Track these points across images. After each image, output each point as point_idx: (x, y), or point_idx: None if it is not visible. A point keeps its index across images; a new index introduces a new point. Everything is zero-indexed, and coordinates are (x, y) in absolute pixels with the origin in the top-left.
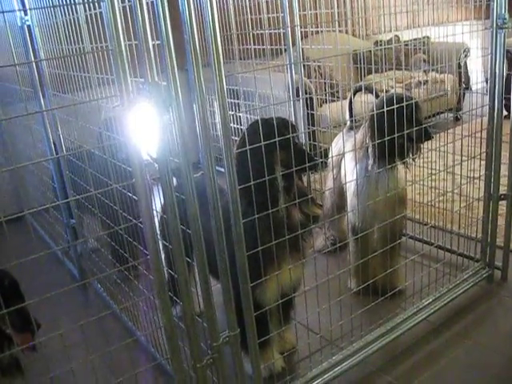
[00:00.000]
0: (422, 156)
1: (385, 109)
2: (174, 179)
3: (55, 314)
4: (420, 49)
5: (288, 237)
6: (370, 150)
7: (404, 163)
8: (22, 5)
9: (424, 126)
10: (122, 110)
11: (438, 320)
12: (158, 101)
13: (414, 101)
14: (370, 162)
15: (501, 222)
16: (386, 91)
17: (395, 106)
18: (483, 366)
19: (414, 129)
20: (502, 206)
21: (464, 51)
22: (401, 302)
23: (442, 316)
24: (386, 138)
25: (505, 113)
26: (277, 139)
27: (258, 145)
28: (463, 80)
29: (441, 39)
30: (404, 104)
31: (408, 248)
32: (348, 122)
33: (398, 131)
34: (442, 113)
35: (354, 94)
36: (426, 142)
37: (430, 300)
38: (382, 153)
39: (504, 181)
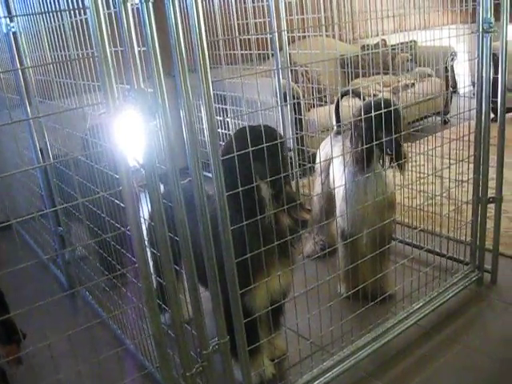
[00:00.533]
0: (409, 161)
1: (362, 116)
2: (162, 186)
3: (43, 323)
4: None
5: (276, 243)
6: (349, 155)
7: (391, 168)
8: (8, 12)
9: (393, 136)
10: (108, 117)
11: (428, 324)
12: (143, 107)
13: (392, 108)
14: (350, 167)
15: (490, 224)
16: (374, 95)
17: (372, 114)
18: (474, 370)
19: (384, 139)
20: (491, 208)
21: (451, 55)
22: (391, 307)
23: (432, 320)
24: (361, 147)
25: (492, 115)
26: (264, 145)
27: (241, 152)
28: (450, 83)
29: (427, 43)
30: (382, 111)
31: (397, 252)
32: (335, 127)
33: (376, 138)
34: (429, 116)
35: (341, 98)
36: (413, 146)
37: (420, 304)
38: (358, 159)
39: (492, 184)
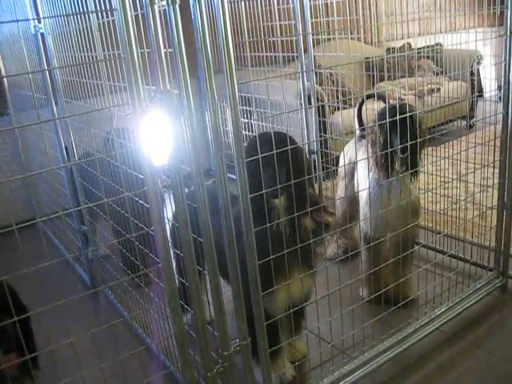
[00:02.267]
0: (420, 170)
1: (377, 122)
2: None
3: (66, 321)
4: (428, 57)
5: (296, 246)
6: (371, 161)
7: (410, 174)
8: (36, 13)
9: (407, 143)
10: (134, 118)
11: (450, 330)
12: (169, 109)
13: (407, 114)
14: (372, 172)
15: None
16: (400, 99)
17: (387, 120)
18: (497, 377)
19: (397, 146)
20: None
21: (476, 58)
22: (413, 312)
23: (454, 326)
24: (377, 152)
25: None
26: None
27: (250, 159)
28: (475, 87)
29: (453, 46)
30: (397, 117)
31: (420, 257)
32: (358, 131)
33: (391, 143)
34: (454, 120)
35: (363, 102)
36: (437, 150)
37: (443, 310)
38: (379, 164)
39: None
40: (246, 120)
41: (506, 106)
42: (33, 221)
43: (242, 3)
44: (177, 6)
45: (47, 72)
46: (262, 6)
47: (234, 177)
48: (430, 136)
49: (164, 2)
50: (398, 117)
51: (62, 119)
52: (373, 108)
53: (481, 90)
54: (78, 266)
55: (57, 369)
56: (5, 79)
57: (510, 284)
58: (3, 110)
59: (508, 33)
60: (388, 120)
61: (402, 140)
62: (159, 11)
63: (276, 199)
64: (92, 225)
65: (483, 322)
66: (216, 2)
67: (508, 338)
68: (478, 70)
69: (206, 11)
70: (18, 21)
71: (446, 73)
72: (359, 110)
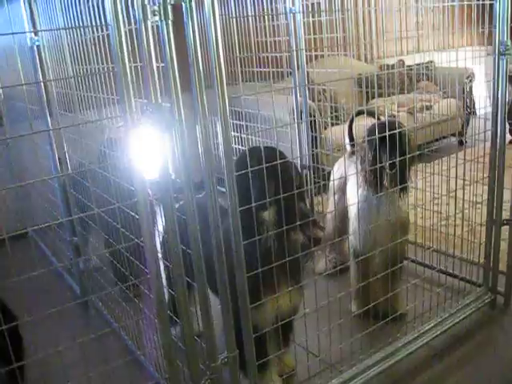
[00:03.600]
0: (424, 181)
1: (366, 138)
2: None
3: (54, 332)
4: (423, 74)
5: (284, 260)
6: (360, 177)
7: (399, 190)
8: (33, 26)
9: (396, 159)
10: (126, 130)
11: (439, 345)
12: (160, 122)
13: (395, 131)
14: (361, 188)
15: (504, 246)
16: (393, 116)
17: (376, 136)
18: None
19: (386, 161)
20: (505, 230)
21: (468, 76)
22: (402, 326)
23: (443, 341)
24: (367, 168)
25: (509, 137)
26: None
27: (240, 172)
28: (467, 105)
29: (445, 64)
30: (386, 133)
31: (410, 272)
32: (348, 147)
33: (379, 160)
34: (446, 137)
35: (353, 119)
36: (429, 167)
37: (432, 325)
38: (367, 180)
39: (507, 206)
40: (236, 134)
41: (494, 124)
42: (24, 230)
43: (234, 19)
44: (169, 22)
45: (42, 84)
46: (254, 22)
47: (224, 190)
48: (419, 152)
49: (157, 18)
50: (387, 133)
51: (56, 131)
52: (364, 124)
53: (473, 108)
54: (69, 277)
55: (44, 377)
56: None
57: (499, 300)
58: None
59: (496, 52)
60: (377, 136)
61: (391, 156)
62: (152, 26)
63: (265, 212)
64: (84, 236)
65: (472, 338)
66: (208, 18)
67: (496, 355)
68: (471, 87)
69: (199, 25)
70: (13, 33)
71: (439, 90)
72: (350, 126)
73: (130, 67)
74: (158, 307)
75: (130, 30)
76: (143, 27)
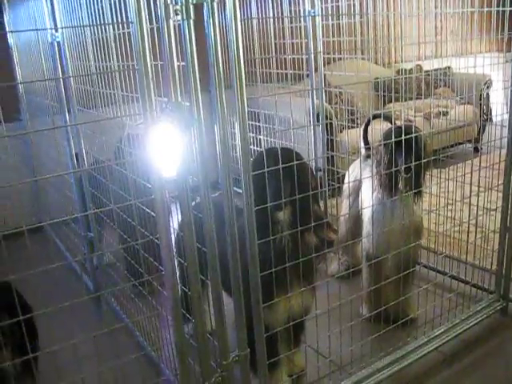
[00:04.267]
0: (424, 191)
1: (382, 142)
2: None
3: (67, 326)
4: (441, 80)
5: (300, 260)
6: (375, 180)
7: (414, 194)
8: (54, 23)
9: (412, 164)
10: (145, 128)
11: (449, 351)
12: (180, 120)
13: (411, 135)
14: (376, 192)
15: None
16: (410, 120)
17: (392, 140)
18: None
19: (401, 166)
20: None
21: (486, 83)
22: (412, 331)
23: (453, 347)
24: (382, 172)
25: None
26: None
27: (256, 172)
28: (484, 111)
29: (463, 70)
30: (402, 138)
31: (421, 277)
32: (363, 150)
33: (395, 164)
34: (462, 143)
35: (369, 122)
36: (443, 172)
37: (442, 330)
38: (382, 184)
39: None
40: (253, 135)
41: (511, 131)
42: (39, 223)
43: (255, 21)
44: (191, 21)
45: (61, 80)
46: (274, 24)
47: (240, 190)
48: (434, 158)
49: (179, 17)
50: (403, 137)
51: (73, 127)
52: (380, 128)
53: (490, 114)
54: (83, 273)
55: (57, 370)
56: (20, 86)
57: (511, 307)
58: (16, 116)
59: None
60: (393, 140)
61: (406, 160)
62: (174, 25)
63: (280, 212)
64: (98, 232)
65: (482, 345)
66: (229, 18)
67: (506, 362)
68: (488, 94)
69: (219, 26)
70: (36, 30)
71: (455, 96)
72: (365, 130)
73: (151, 65)
74: (173, 304)
75: (152, 29)
76: (165, 26)
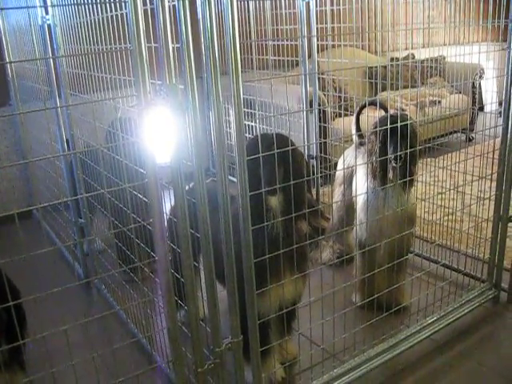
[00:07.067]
0: (431, 175)
1: (373, 131)
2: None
3: (57, 312)
4: (434, 68)
5: (288, 249)
6: (368, 169)
7: (404, 183)
8: (44, 2)
9: (401, 152)
10: (139, 111)
11: (441, 339)
12: (174, 103)
13: (401, 123)
14: (368, 180)
15: (509, 243)
16: (402, 109)
17: (381, 129)
18: None
19: (390, 154)
20: (511, 227)
21: (479, 72)
22: (405, 319)
23: (445, 335)
24: (373, 160)
25: None
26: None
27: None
28: (476, 100)
29: (456, 59)
30: (388, 126)
31: (414, 265)
32: (355, 137)
33: (386, 152)
34: (454, 132)
35: (361, 110)
36: (436, 161)
37: (435, 318)
38: (374, 172)
39: None
40: (247, 122)
41: (506, 119)
42: (29, 207)
43: (251, 3)
44: (186, 2)
45: (52, 63)
46: (269, 10)
47: (233, 179)
48: (423, 146)
49: None
50: (388, 126)
51: (64, 111)
52: (373, 115)
53: (481, 103)
54: (73, 260)
55: (47, 356)
56: (9, 70)
57: (503, 296)
58: (5, 101)
59: (511, 46)
60: (383, 129)
61: (396, 149)
62: (169, 6)
63: (273, 197)
64: (89, 218)
65: (474, 333)
66: (225, 2)
67: (498, 350)
68: (480, 83)
69: (215, 10)
70: (27, 7)
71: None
72: (357, 117)
73: (145, 47)
74: (165, 290)
75: (146, 11)
76: (160, 7)
